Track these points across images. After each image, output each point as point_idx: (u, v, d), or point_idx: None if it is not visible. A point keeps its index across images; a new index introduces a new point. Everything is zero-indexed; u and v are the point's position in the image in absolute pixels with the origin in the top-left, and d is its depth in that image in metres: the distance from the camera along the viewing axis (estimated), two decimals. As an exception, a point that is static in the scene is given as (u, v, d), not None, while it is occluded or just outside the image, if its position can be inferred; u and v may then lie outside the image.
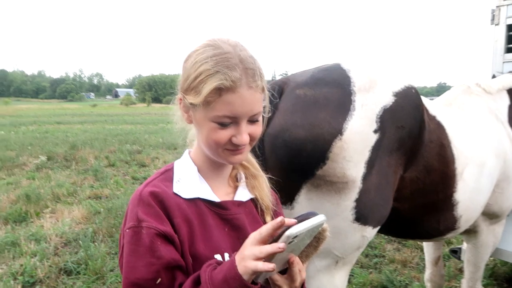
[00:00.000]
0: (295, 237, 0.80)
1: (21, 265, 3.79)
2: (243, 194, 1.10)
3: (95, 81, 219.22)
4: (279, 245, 0.80)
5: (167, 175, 1.05)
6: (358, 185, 1.58)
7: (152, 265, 0.90)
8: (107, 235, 4.61)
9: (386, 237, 4.57)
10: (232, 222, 1.04)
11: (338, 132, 1.55)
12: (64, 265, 3.82)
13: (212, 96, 0.91)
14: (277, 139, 1.58)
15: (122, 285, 0.92)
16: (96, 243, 4.34)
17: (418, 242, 4.38)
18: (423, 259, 4.07)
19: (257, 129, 0.99)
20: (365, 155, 1.58)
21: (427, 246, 2.96)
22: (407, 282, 3.64)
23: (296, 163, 1.57)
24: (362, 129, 1.58)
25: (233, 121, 0.94)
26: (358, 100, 1.61)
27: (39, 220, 5.23)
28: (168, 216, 0.95)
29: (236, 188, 1.11)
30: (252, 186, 1.12)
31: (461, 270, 3.83)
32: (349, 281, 3.61)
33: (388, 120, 1.63)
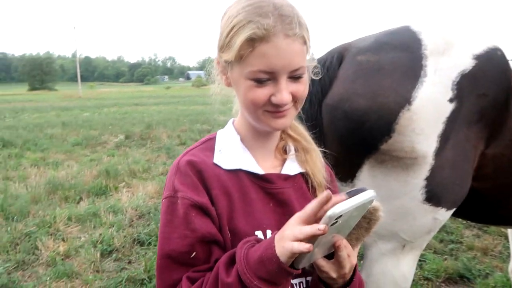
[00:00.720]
0: (339, 217, 0.69)
1: (100, 235, 4.09)
2: (291, 168, 1.00)
3: (168, 65, 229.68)
4: (319, 226, 0.70)
5: (209, 144, 0.99)
6: (429, 161, 1.41)
7: (186, 237, 0.85)
8: (177, 209, 4.80)
9: (464, 221, 4.19)
10: (277, 196, 0.95)
11: (406, 101, 1.37)
12: (138, 236, 4.06)
13: (245, 49, 0.81)
14: (336, 110, 1.45)
15: (157, 256, 0.88)
16: (166, 217, 4.54)
17: (502, 229, 3.96)
18: (507, 248, 3.68)
19: (301, 88, 0.87)
20: (438, 127, 1.40)
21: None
22: (488, 271, 3.31)
23: (357, 136, 1.43)
24: (435, 97, 1.38)
25: (271, 77, 0.83)
26: (431, 64, 1.41)
27: (117, 193, 5.61)
28: (205, 187, 0.89)
29: (283, 161, 1.01)
30: (303, 160, 1.01)
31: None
32: (421, 267, 3.38)
33: (466, 87, 1.41)
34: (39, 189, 5.55)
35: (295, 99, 0.87)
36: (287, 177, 0.98)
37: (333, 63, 1.52)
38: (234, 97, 1.03)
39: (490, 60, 1.46)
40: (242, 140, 0.98)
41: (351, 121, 1.42)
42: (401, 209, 1.46)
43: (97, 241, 3.96)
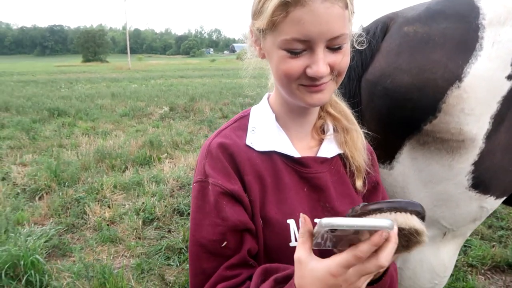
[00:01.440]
0: (334, 230, 0.58)
1: (143, 203, 4.25)
2: (329, 149, 0.92)
3: (214, 37, 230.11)
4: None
5: (242, 122, 0.92)
6: (479, 144, 1.27)
7: (217, 225, 0.81)
8: (216, 182, 4.87)
9: (517, 207, 3.92)
10: (313, 181, 0.88)
11: (456, 77, 1.23)
12: (177, 206, 4.18)
13: (278, 15, 0.72)
14: (376, 86, 1.34)
15: (189, 242, 0.85)
16: (205, 189, 4.62)
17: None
18: None
19: (341, 59, 0.77)
20: (492, 107, 1.25)
21: None
22: (541, 261, 3.09)
23: (398, 115, 1.32)
24: (491, 73, 1.23)
25: (307, 46, 0.74)
26: (488, 36, 1.25)
27: (160, 164, 5.77)
28: (238, 172, 0.84)
29: (321, 141, 0.93)
30: (342, 141, 0.93)
31: None
32: (465, 253, 3.21)
33: None
34: (88, 157, 5.83)
35: (334, 71, 0.78)
36: (323, 160, 0.91)
37: (376, 34, 1.39)
38: (269, 70, 0.95)
39: None
40: (276, 118, 0.91)
41: (392, 99, 1.30)
42: (443, 194, 1.35)
43: (139, 209, 4.12)
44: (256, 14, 0.79)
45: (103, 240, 3.52)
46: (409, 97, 1.28)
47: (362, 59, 1.39)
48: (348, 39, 0.78)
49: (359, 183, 0.93)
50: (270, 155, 0.87)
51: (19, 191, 4.54)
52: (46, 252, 3.24)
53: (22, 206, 4.09)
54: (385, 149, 1.38)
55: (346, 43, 0.77)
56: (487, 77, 1.23)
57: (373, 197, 0.97)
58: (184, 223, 3.85)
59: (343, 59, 0.78)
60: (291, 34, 0.72)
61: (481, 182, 1.32)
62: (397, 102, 1.30)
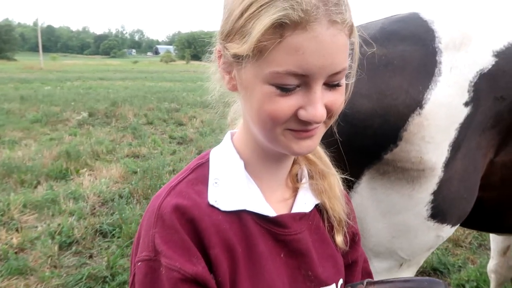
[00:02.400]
0: None
1: (59, 224, 3.77)
2: (306, 201, 0.76)
3: (136, 38, 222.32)
4: None
5: (200, 172, 0.71)
6: (438, 173, 1.23)
7: None
8: (143, 196, 4.53)
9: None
10: (292, 245, 0.71)
11: (418, 104, 1.17)
12: (100, 226, 3.78)
13: (269, 39, 0.55)
14: None
15: None
16: (131, 205, 4.27)
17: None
18: (476, 238, 3.70)
19: (339, 99, 0.62)
20: (451, 134, 1.21)
21: (495, 234, 2.57)
22: (460, 264, 3.30)
23: (358, 143, 1.22)
24: (450, 100, 1.19)
25: (302, 82, 0.58)
26: (446, 61, 1.21)
27: (78, 178, 5.25)
28: (201, 245, 0.64)
29: (295, 191, 0.77)
30: (320, 189, 0.78)
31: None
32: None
33: (484, 89, 1.23)
34: (-9, 171, 5.10)
35: (329, 113, 0.62)
36: (302, 216, 0.74)
37: None
38: (235, 103, 0.77)
39: (510, 58, 1.28)
40: (246, 165, 0.72)
41: (352, 126, 1.20)
42: (402, 225, 1.28)
43: (55, 232, 3.65)
44: (233, 34, 0.60)
45: (10, 272, 3.01)
46: (370, 124, 1.19)
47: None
48: (345, 73, 0.63)
49: (339, 239, 0.79)
50: (239, 215, 0.68)
51: None
52: None
53: None
54: (344, 179, 1.28)
55: (343, 79, 0.63)
56: (447, 104, 1.19)
57: (353, 252, 0.85)
58: (108, 246, 3.48)
59: (341, 99, 0.63)
60: (286, 66, 0.56)
61: (439, 212, 1.27)
62: (357, 129, 1.20)
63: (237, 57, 0.60)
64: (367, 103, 1.19)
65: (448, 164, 1.23)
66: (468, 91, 1.21)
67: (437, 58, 1.21)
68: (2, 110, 10.16)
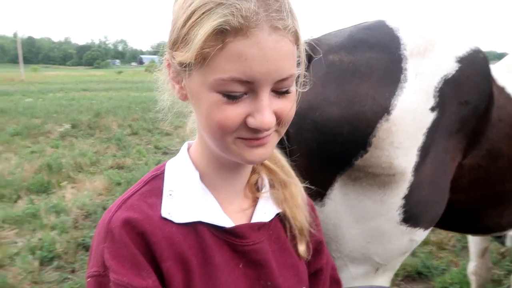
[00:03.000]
0: None
1: (40, 239, 3.70)
2: (266, 211, 0.76)
3: (120, 48, 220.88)
4: None
5: (154, 185, 0.71)
6: (408, 178, 1.25)
7: None
8: (127, 208, 4.48)
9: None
10: (250, 255, 0.71)
11: (385, 110, 1.20)
12: (83, 240, 3.72)
13: (211, 46, 0.55)
14: (305, 119, 1.25)
15: None
16: (114, 217, 4.21)
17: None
18: (459, 240, 3.74)
19: (288, 106, 0.62)
20: (419, 139, 1.24)
21: (473, 236, 2.62)
22: (444, 267, 3.34)
23: (328, 150, 1.24)
24: (416, 106, 1.22)
25: (248, 89, 0.58)
26: (411, 67, 1.24)
27: (60, 191, 5.16)
28: (152, 259, 0.63)
29: (255, 200, 0.77)
30: (281, 198, 0.78)
31: (504, 255, 3.49)
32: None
33: (449, 94, 1.26)
34: (-31, 187, 4.98)
35: (279, 120, 0.62)
36: (261, 226, 0.74)
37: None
38: (191, 112, 0.77)
39: (473, 63, 1.32)
40: (201, 176, 0.72)
41: (322, 133, 1.22)
42: (376, 231, 1.30)
43: (36, 247, 3.58)
44: (178, 42, 0.61)
45: (-12, 290, 2.95)
46: (339, 131, 1.20)
47: (289, 89, 1.30)
48: (294, 80, 0.64)
49: (302, 248, 0.79)
50: (195, 227, 0.68)
51: None
52: None
53: None
54: (316, 185, 1.29)
55: (294, 86, 0.63)
56: (413, 110, 1.22)
57: (318, 261, 0.85)
58: (91, 260, 3.42)
59: (290, 106, 0.63)
60: (230, 72, 0.56)
61: (411, 216, 1.29)
62: (327, 137, 1.22)
63: (183, 65, 0.61)
64: (336, 110, 1.21)
65: (417, 169, 1.25)
66: (434, 97, 1.24)
67: (402, 65, 1.23)
68: (-19, 123, 9.96)
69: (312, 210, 0.86)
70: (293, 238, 0.79)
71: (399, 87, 1.21)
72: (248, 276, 0.71)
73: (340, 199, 1.30)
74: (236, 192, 0.75)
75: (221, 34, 0.55)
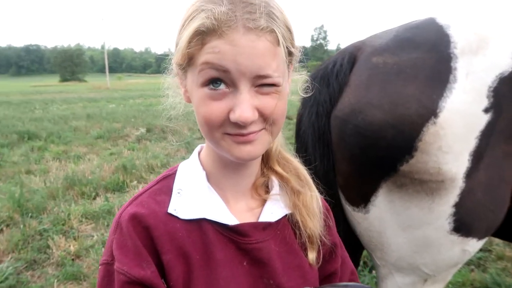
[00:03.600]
0: None
1: (113, 234, 4.00)
2: (273, 210, 0.77)
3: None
4: None
5: (165, 184, 0.76)
6: (459, 184, 1.16)
7: None
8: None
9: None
10: (253, 253, 0.73)
11: (432, 113, 1.13)
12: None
13: (193, 46, 0.61)
14: (347, 123, 1.22)
15: None
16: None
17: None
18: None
19: (271, 103, 0.64)
20: (471, 143, 1.15)
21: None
22: (520, 286, 3.01)
23: (372, 155, 1.20)
24: (467, 107, 1.13)
25: (228, 80, 0.62)
26: (461, 67, 1.16)
27: (133, 190, 5.53)
28: (154, 251, 0.68)
29: (264, 202, 0.78)
30: (292, 204, 0.78)
31: None
32: (447, 280, 3.11)
33: (505, 93, 1.15)
34: (57, 184, 5.54)
35: (264, 117, 0.65)
36: (266, 226, 0.75)
37: (343, 66, 1.28)
38: None
39: None
40: (208, 176, 0.76)
41: (365, 137, 1.18)
42: (423, 240, 1.23)
43: (109, 241, 3.88)
44: (175, 47, 0.67)
45: (66, 278, 3.26)
46: (383, 135, 1.16)
47: (330, 93, 1.28)
48: (285, 82, 0.66)
49: (311, 256, 0.78)
50: (199, 224, 0.72)
51: (-23, 224, 4.23)
52: (0, 295, 2.97)
53: (-21, 242, 3.79)
54: (360, 191, 1.26)
55: (281, 86, 0.65)
56: (463, 111, 1.14)
57: (331, 264, 0.84)
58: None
59: (278, 104, 0.65)
60: (206, 61, 0.61)
61: (463, 225, 1.20)
62: (370, 141, 1.18)
63: (180, 68, 0.67)
64: (379, 113, 1.17)
65: (469, 175, 1.16)
66: (487, 97, 1.14)
67: (451, 64, 1.16)
68: (70, 127, 11.04)
69: (328, 212, 0.85)
70: (303, 243, 0.79)
71: (447, 88, 1.14)
72: (251, 274, 0.72)
73: (385, 206, 1.25)
74: (242, 192, 0.77)
75: (200, 36, 0.60)
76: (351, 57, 1.29)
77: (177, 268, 0.68)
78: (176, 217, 0.71)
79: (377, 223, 1.27)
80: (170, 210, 0.71)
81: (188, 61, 0.63)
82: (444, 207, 1.18)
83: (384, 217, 1.26)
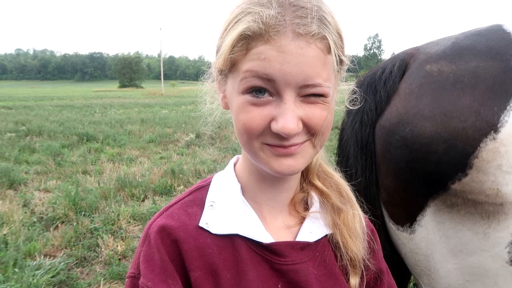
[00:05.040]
0: None
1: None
2: (312, 230, 0.71)
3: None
4: None
5: (198, 195, 0.73)
6: None
7: None
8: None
9: None
10: (288, 275, 0.67)
11: (491, 127, 1.02)
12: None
13: (237, 52, 0.57)
14: (393, 134, 1.13)
15: None
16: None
17: None
18: None
19: (318, 114, 0.59)
20: None
21: None
22: None
23: (419, 170, 1.10)
24: None
25: (272, 89, 0.57)
26: None
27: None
28: (181, 266, 0.64)
29: (302, 219, 0.72)
30: (332, 223, 0.72)
31: None
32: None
33: None
34: (109, 185, 5.79)
35: (309, 129, 0.60)
36: (304, 246, 0.70)
37: (393, 74, 1.19)
38: None
39: None
40: (243, 190, 0.71)
41: (412, 151, 1.09)
42: (477, 268, 1.10)
43: (153, 243, 3.96)
44: (217, 52, 0.64)
45: (112, 277, 3.37)
46: (433, 149, 1.06)
47: (377, 101, 1.20)
48: (333, 93, 0.61)
49: (353, 282, 0.71)
50: (232, 240, 0.67)
51: (35, 219, 4.51)
52: (51, 289, 3.12)
53: (36, 236, 4.03)
54: (405, 209, 1.16)
55: (329, 96, 0.59)
56: None
57: None
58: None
59: (322, 115, 0.59)
60: (251, 69, 0.57)
61: (525, 256, 1.06)
62: (418, 155, 1.08)
63: (221, 73, 0.63)
64: (430, 126, 1.07)
65: (535, 199, 1.03)
66: None
67: None
68: (125, 131, 11.56)
69: (373, 234, 0.78)
70: (344, 267, 0.72)
71: (511, 101, 1.02)
72: None
73: (433, 227, 1.14)
74: (280, 208, 0.72)
75: (245, 40, 0.57)
76: (402, 64, 1.21)
77: (205, 287, 0.64)
78: (208, 231, 0.67)
79: (424, 245, 1.17)
80: (202, 223, 0.68)
81: (231, 67, 0.60)
82: (503, 233, 1.06)
83: (432, 239, 1.15)
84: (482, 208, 1.06)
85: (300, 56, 0.55)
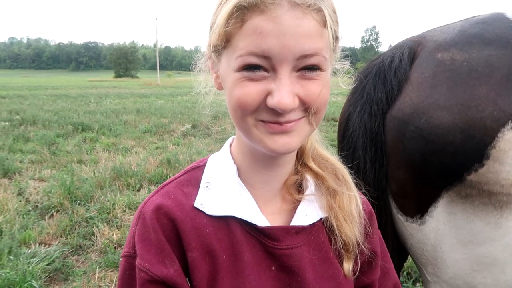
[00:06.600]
0: None
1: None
2: (307, 213, 0.70)
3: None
4: None
5: (193, 175, 0.71)
6: None
7: None
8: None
9: None
10: (282, 259, 0.66)
11: (509, 117, 0.99)
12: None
13: (232, 24, 0.55)
14: (407, 125, 1.11)
15: None
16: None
17: None
18: None
19: (315, 89, 0.57)
20: None
21: None
22: None
23: (435, 162, 1.08)
24: None
25: (268, 66, 0.55)
26: None
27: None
28: (178, 247, 0.63)
29: (297, 202, 0.71)
30: (327, 206, 0.70)
31: None
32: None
33: None
34: (105, 174, 5.75)
35: (306, 105, 0.58)
36: (299, 230, 0.68)
37: (403, 62, 1.16)
38: None
39: None
40: (239, 171, 0.69)
41: (428, 142, 1.06)
42: (486, 258, 1.09)
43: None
44: (210, 28, 0.62)
45: (107, 265, 3.34)
46: (450, 140, 1.04)
47: (387, 91, 1.17)
48: (329, 68, 0.59)
49: (347, 266, 0.70)
50: (227, 222, 0.66)
51: (30, 208, 4.46)
52: (46, 276, 3.09)
53: (31, 224, 3.99)
54: (417, 200, 1.14)
55: (325, 71, 0.58)
56: None
57: (368, 275, 0.75)
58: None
59: (318, 89, 0.57)
60: (246, 48, 0.54)
61: (537, 247, 1.05)
62: (435, 146, 1.06)
63: (214, 50, 0.60)
64: (446, 116, 1.04)
65: (551, 190, 1.01)
66: None
67: None
68: (121, 121, 11.47)
69: (370, 216, 0.76)
70: (338, 251, 0.71)
71: (530, 90, 0.99)
72: (279, 280, 0.66)
73: (444, 218, 1.12)
74: (273, 192, 0.71)
75: (240, 12, 0.55)
76: (410, 52, 1.17)
77: (202, 268, 0.63)
78: (203, 212, 0.66)
79: (433, 236, 1.15)
80: (197, 204, 0.66)
81: (225, 43, 0.58)
82: (516, 224, 1.04)
83: (442, 230, 1.13)
84: (496, 198, 1.04)
85: (297, 26, 0.53)
